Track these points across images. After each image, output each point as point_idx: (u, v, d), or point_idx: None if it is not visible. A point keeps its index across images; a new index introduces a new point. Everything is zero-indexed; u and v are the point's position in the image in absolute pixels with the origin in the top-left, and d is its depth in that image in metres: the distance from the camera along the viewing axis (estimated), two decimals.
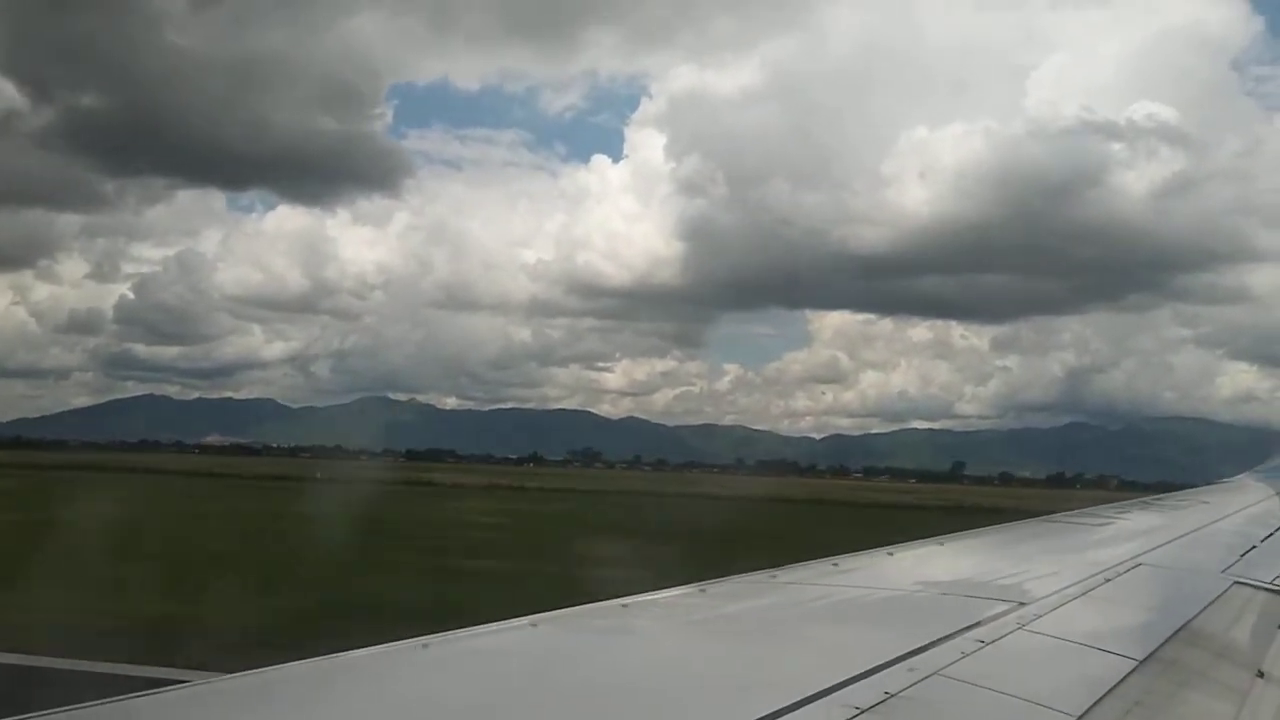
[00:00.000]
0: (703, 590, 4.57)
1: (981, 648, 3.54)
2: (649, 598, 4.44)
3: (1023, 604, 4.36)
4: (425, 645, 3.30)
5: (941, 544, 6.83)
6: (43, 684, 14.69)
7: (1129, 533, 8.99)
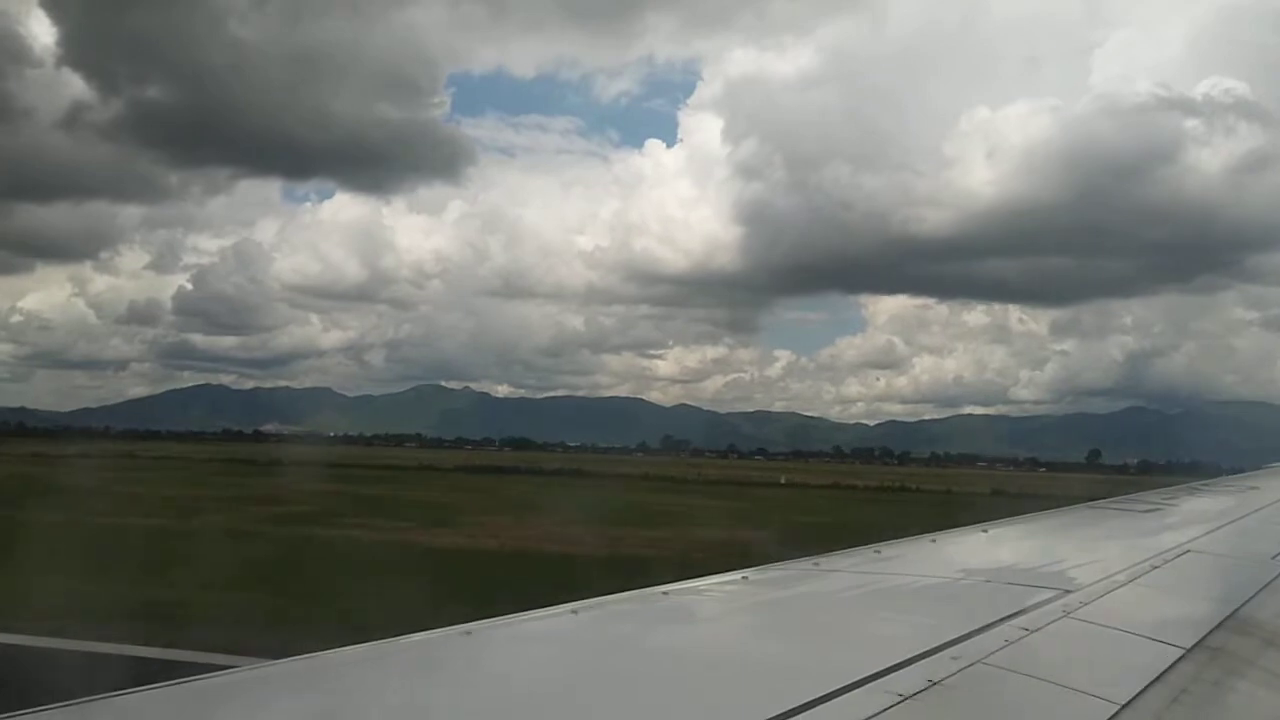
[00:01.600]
0: (745, 578, 4.58)
1: (1026, 635, 3.52)
2: (691, 585, 4.46)
3: (1068, 591, 4.32)
4: (468, 632, 3.35)
5: (985, 531, 6.77)
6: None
7: (1177, 519, 8.85)
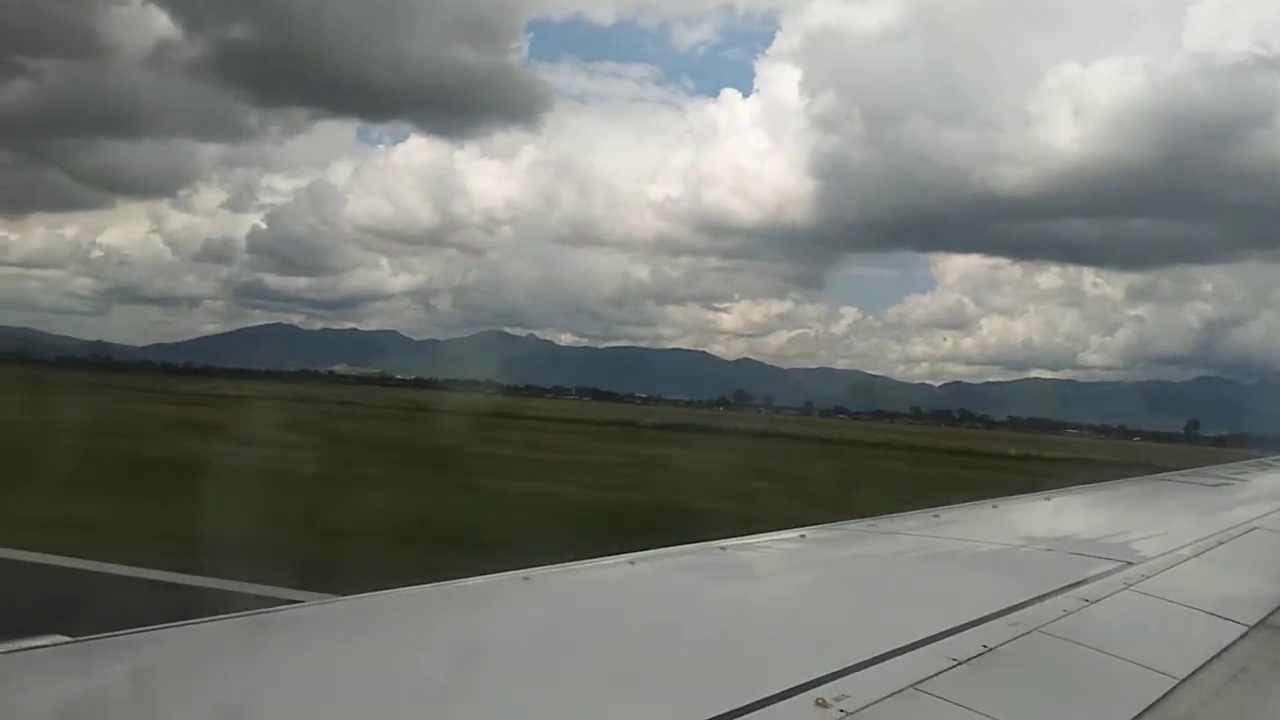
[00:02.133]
0: (803, 536, 4.59)
1: (1085, 606, 3.50)
2: (749, 540, 4.47)
3: (1130, 563, 4.28)
4: (527, 578, 3.39)
5: (1048, 499, 6.71)
6: None
7: (1246, 494, 8.69)
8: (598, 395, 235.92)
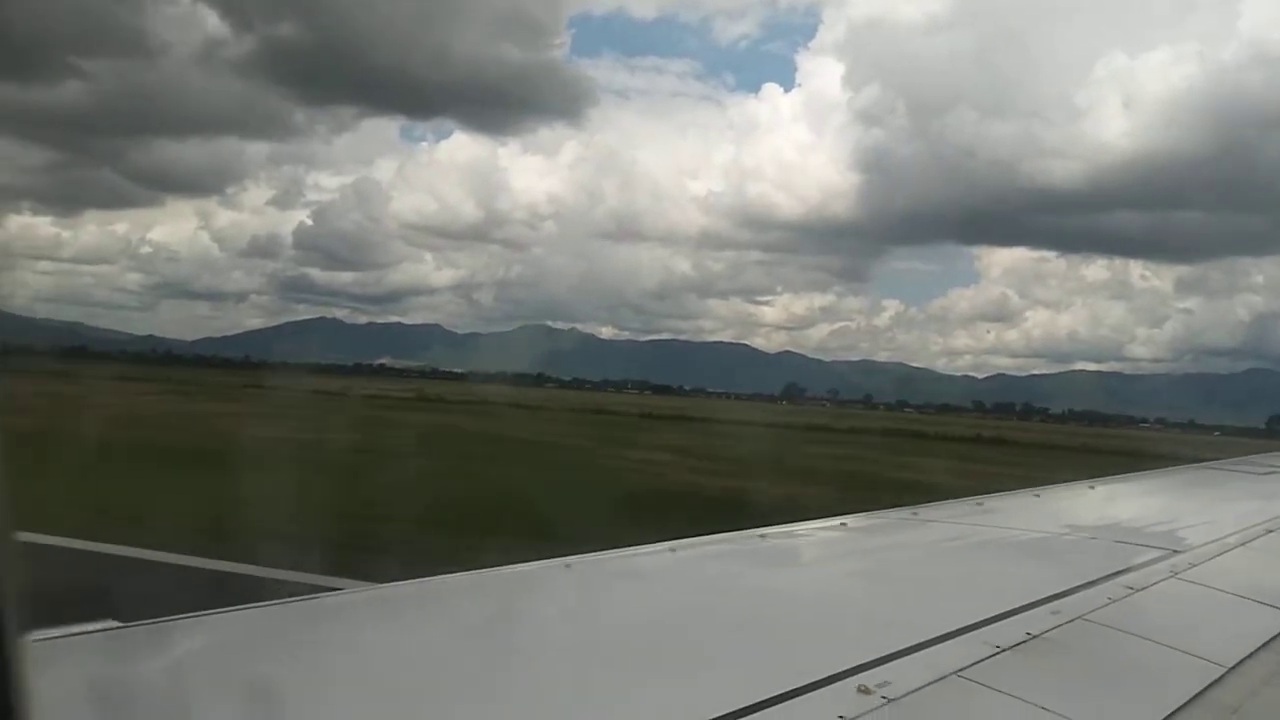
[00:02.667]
0: (843, 524, 4.58)
1: (1130, 594, 3.47)
2: (789, 529, 4.47)
3: (1176, 552, 4.23)
4: (568, 565, 3.42)
5: (1092, 487, 6.65)
6: None
7: None
8: (657, 390, 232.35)
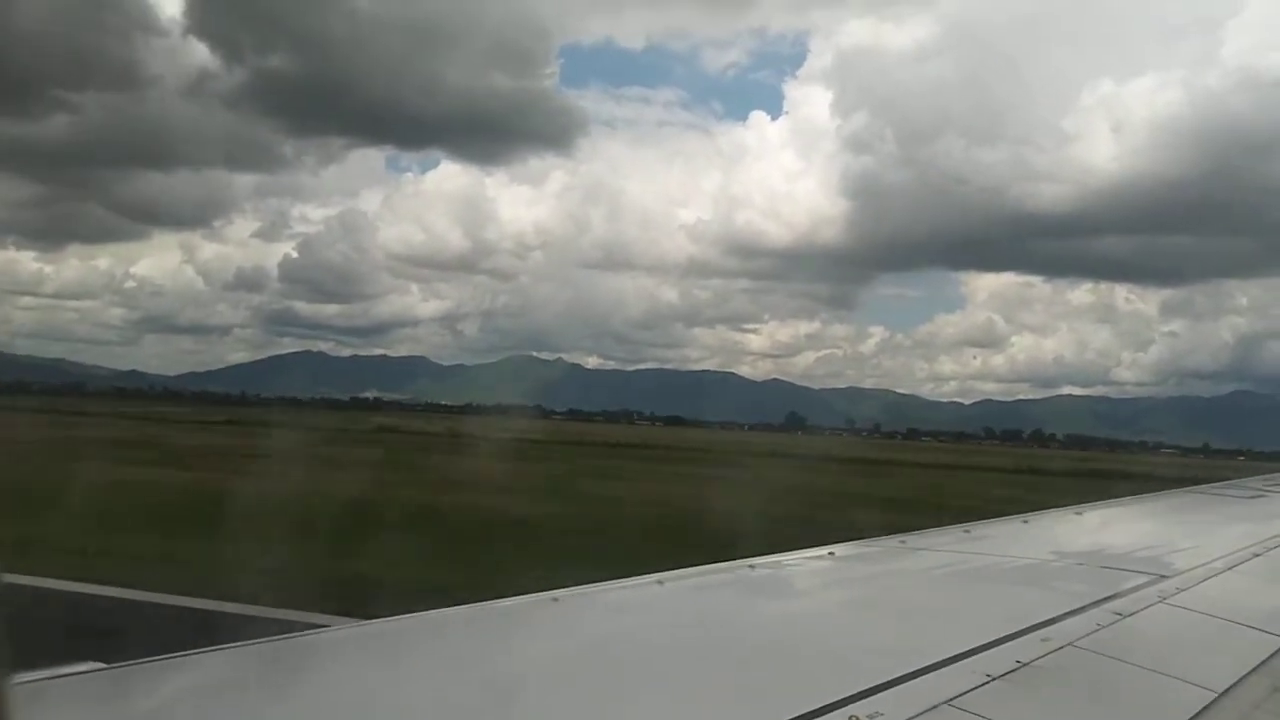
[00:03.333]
0: (832, 553, 4.57)
1: (1119, 620, 3.47)
2: (777, 559, 4.46)
3: (1164, 576, 4.24)
4: (555, 599, 3.40)
5: (1079, 513, 6.66)
6: None
7: None
8: (670, 421, 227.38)
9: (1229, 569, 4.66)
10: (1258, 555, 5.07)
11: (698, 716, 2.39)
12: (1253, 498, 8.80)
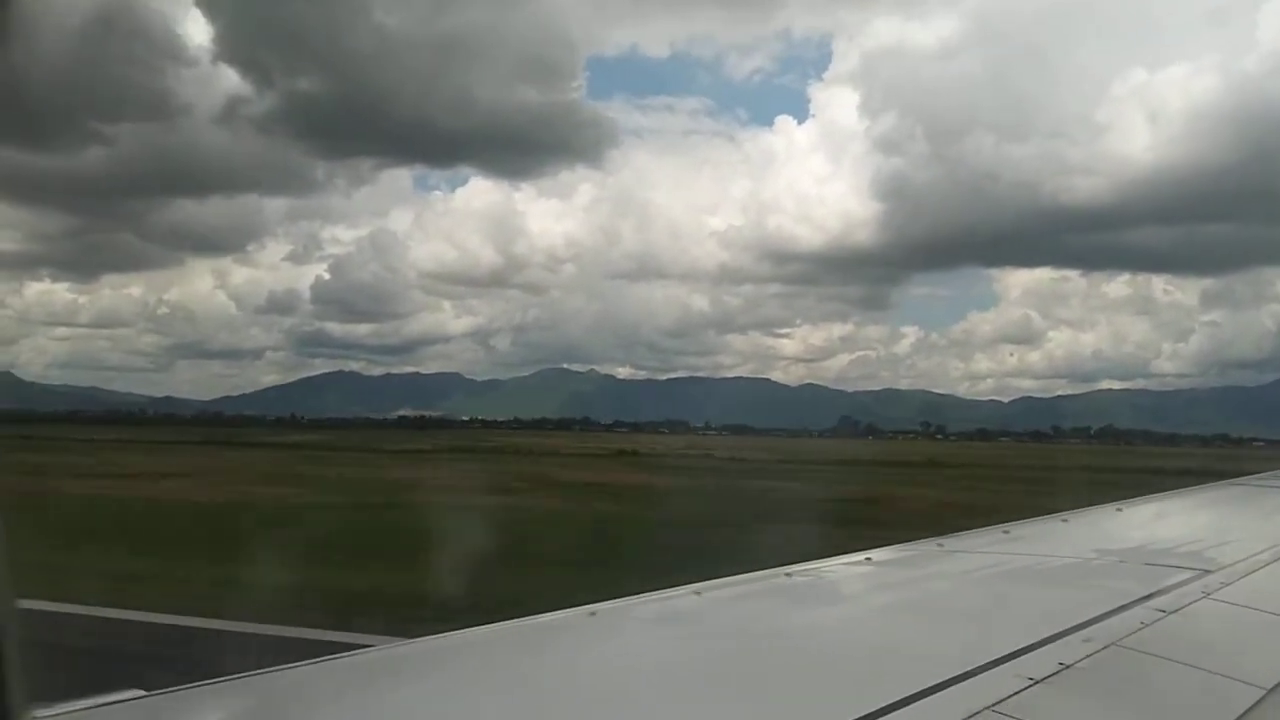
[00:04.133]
0: (869, 559, 4.55)
1: (1162, 617, 3.44)
2: (814, 566, 4.45)
3: (1207, 571, 4.19)
4: (593, 613, 3.41)
5: (1119, 509, 6.60)
6: None
7: None
8: (736, 430, 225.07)
9: (1275, 562, 4.60)
10: None
11: None
12: None
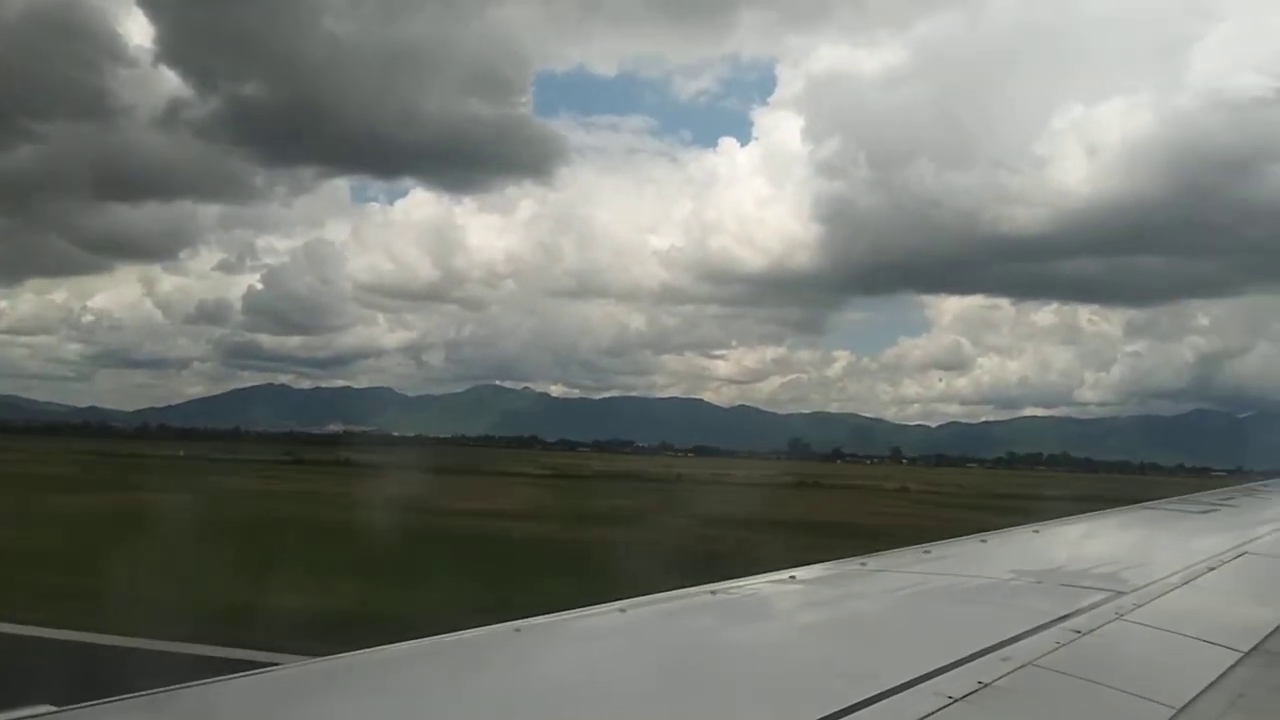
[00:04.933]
0: (792, 577, 4.57)
1: (1078, 638, 3.49)
2: (738, 584, 4.45)
3: (1121, 593, 4.27)
4: (518, 629, 3.38)
5: (1037, 531, 6.71)
6: None
7: (1234, 520, 8.69)
8: (707, 452, 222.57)
9: (1185, 583, 4.71)
10: (1212, 569, 5.12)
11: None
12: (1205, 512, 8.90)
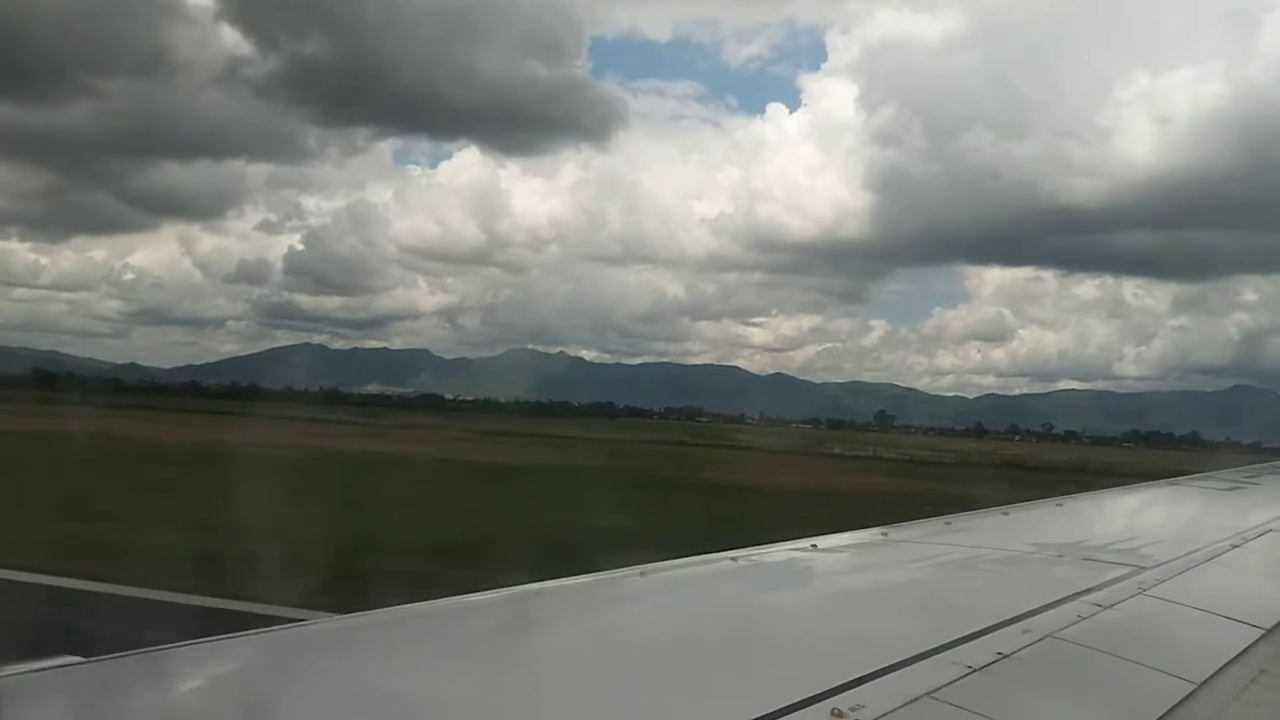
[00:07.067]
0: (814, 546, 4.58)
1: (1099, 611, 3.49)
2: (760, 551, 4.47)
3: (1144, 568, 4.25)
4: (539, 593, 3.41)
5: (1060, 504, 6.68)
6: None
7: (1261, 497, 8.60)
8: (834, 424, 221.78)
9: (1209, 559, 4.69)
10: (1235, 547, 5.09)
11: (680, 710, 2.40)
12: (1231, 489, 8.83)
